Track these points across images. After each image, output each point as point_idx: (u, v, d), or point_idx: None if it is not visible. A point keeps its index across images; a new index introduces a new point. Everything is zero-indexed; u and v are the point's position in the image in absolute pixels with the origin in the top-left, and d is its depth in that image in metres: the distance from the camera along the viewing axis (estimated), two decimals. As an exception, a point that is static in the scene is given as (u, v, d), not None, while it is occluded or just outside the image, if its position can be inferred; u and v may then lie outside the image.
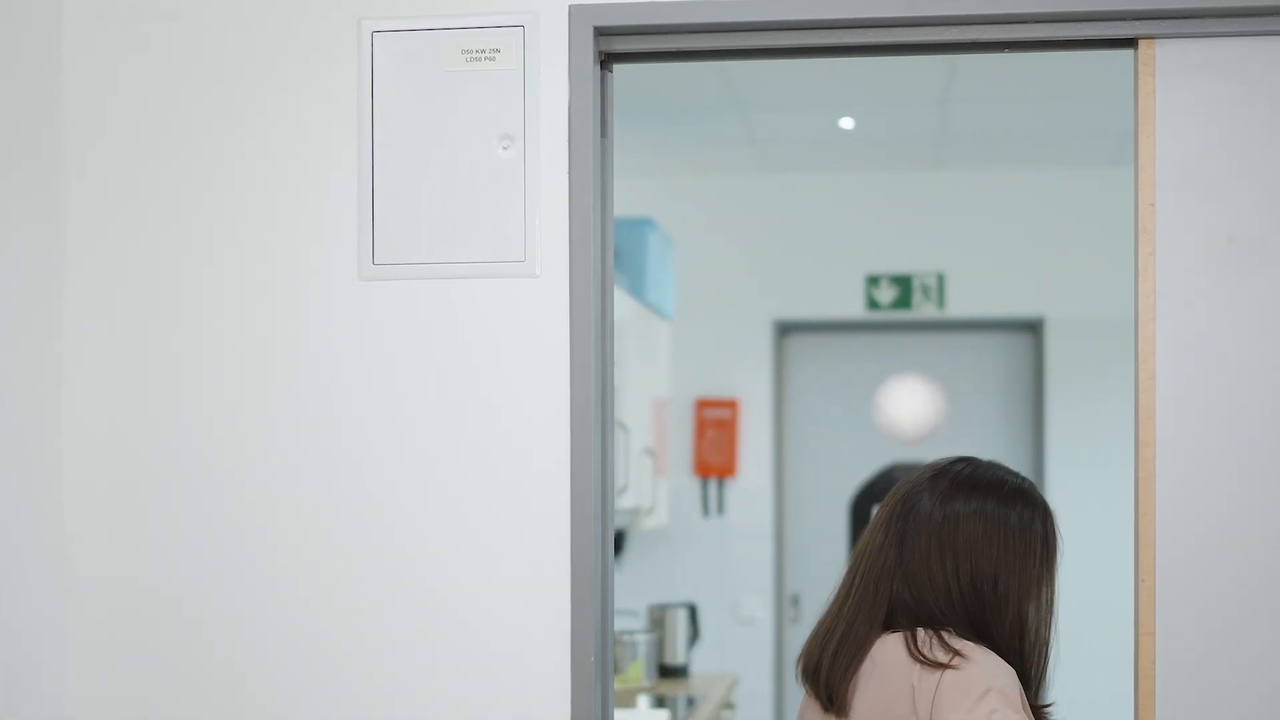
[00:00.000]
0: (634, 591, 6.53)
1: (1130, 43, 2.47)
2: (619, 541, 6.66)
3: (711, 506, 6.86)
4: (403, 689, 2.52)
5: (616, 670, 5.82)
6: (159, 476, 2.58)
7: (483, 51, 2.52)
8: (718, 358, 6.82)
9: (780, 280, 6.79)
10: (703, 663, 6.59)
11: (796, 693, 2.51)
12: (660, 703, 5.67)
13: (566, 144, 2.51)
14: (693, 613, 6.33)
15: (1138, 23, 2.45)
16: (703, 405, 6.83)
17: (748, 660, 6.76)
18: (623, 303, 5.45)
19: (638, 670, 5.90)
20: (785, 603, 6.91)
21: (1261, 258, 2.43)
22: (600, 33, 2.52)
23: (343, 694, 2.53)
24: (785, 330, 6.92)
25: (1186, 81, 2.45)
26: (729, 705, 6.19)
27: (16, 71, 2.52)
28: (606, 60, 2.57)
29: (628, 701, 5.57)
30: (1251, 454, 2.43)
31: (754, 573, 6.82)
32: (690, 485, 6.87)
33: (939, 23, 2.47)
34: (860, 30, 2.49)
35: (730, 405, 6.82)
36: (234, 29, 2.58)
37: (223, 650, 2.56)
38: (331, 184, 2.55)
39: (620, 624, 6.21)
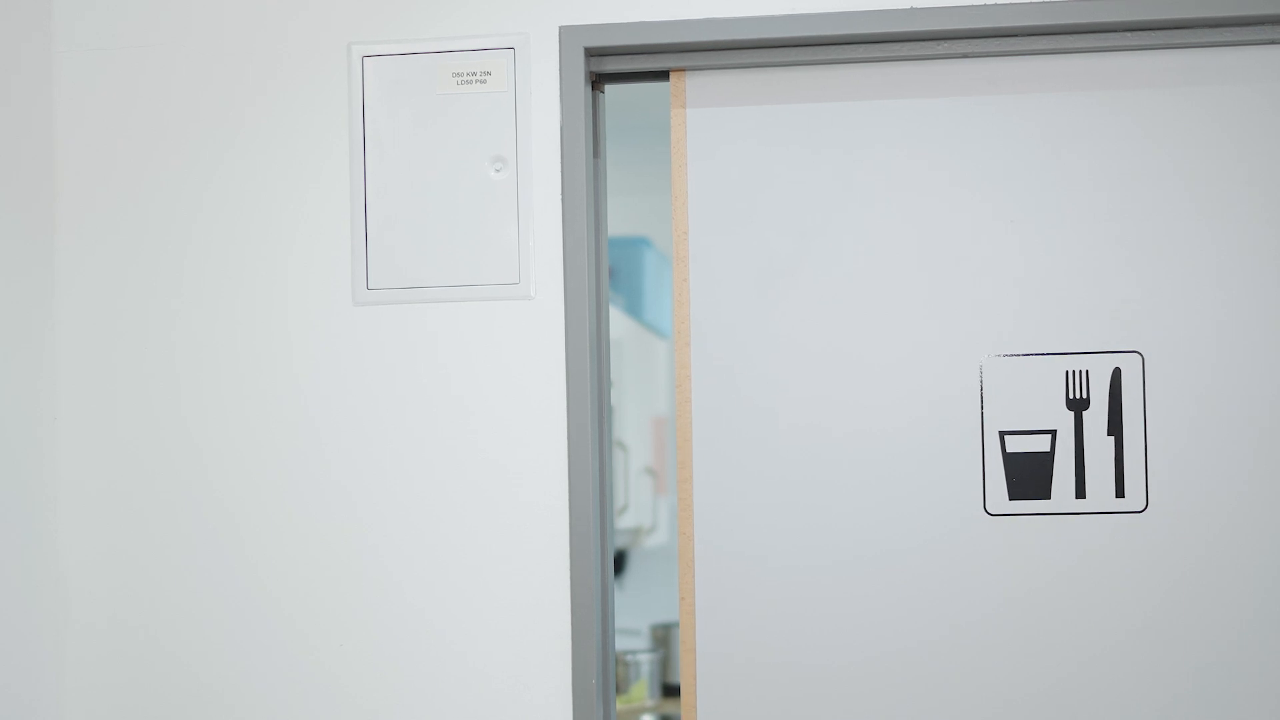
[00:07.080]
0: (636, 611, 6.52)
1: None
2: (620, 561, 6.65)
3: (713, 524, 6.85)
4: (401, 707, 2.51)
5: (619, 690, 5.81)
6: (151, 502, 2.58)
7: (473, 74, 2.53)
8: (716, 375, 6.81)
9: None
10: (707, 681, 6.57)
11: (799, 710, 2.51)
12: (664, 722, 5.66)
13: (559, 165, 2.51)
14: (696, 631, 6.32)
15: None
16: (702, 423, 6.82)
17: (752, 677, 6.74)
18: (620, 322, 5.45)
19: (641, 690, 5.89)
20: (788, 619, 6.89)
21: (792, 281, 2.49)
22: (591, 53, 2.53)
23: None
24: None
25: (716, 112, 2.52)
26: (734, 723, 6.17)
27: (5, 101, 2.53)
28: (598, 81, 2.57)
29: (632, 721, 5.56)
30: (788, 469, 2.48)
31: (756, 590, 6.80)
32: (691, 503, 6.86)
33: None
34: (851, 47, 2.50)
35: (729, 422, 6.81)
36: (224, 56, 2.58)
37: (214, 676, 2.55)
38: (324, 210, 2.55)
39: (622, 644, 6.20)
